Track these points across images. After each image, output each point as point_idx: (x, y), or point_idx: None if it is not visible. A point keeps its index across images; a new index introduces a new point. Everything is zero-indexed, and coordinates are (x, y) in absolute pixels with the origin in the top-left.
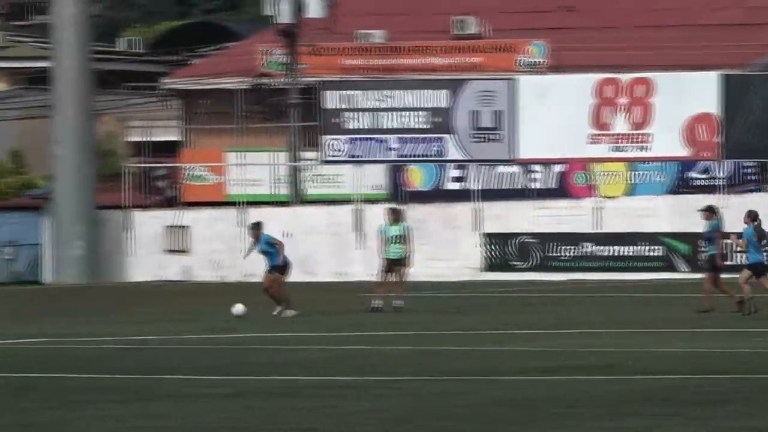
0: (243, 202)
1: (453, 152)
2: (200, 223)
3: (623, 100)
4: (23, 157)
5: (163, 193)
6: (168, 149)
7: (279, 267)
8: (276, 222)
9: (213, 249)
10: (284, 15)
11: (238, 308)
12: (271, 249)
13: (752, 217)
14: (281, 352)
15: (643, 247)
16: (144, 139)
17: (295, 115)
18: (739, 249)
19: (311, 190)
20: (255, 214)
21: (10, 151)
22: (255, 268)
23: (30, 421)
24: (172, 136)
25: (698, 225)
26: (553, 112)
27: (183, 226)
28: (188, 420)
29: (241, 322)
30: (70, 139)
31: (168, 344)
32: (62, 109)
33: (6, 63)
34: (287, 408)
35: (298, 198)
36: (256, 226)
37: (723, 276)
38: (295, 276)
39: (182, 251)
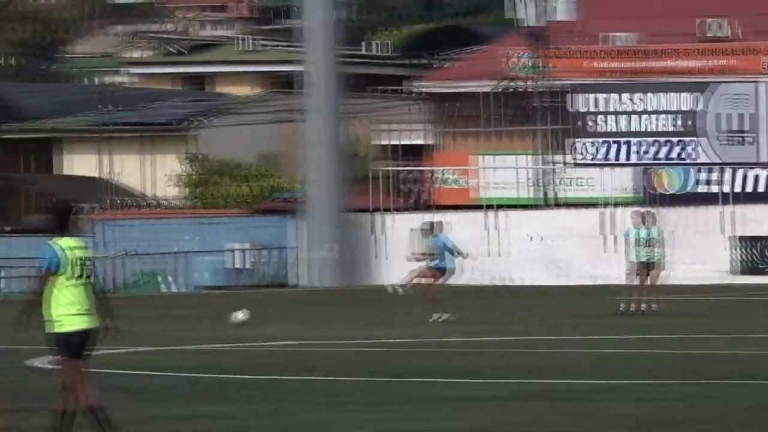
0: (493, 206)
1: (703, 155)
2: (450, 226)
3: None
4: (273, 161)
5: (413, 196)
6: (416, 152)
7: (442, 270)
8: (527, 225)
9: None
10: (532, 18)
11: (239, 315)
12: (443, 251)
13: None
14: (538, 355)
15: None
16: (393, 143)
17: (544, 119)
18: None
19: (561, 193)
20: (505, 218)
21: (260, 155)
22: (505, 271)
23: (292, 421)
24: (420, 140)
25: None
26: None
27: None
28: (449, 423)
29: (499, 325)
30: (321, 143)
31: (425, 347)
32: (313, 112)
33: (255, 67)
34: (546, 411)
35: (548, 201)
36: (431, 227)
37: None
38: (546, 279)
39: (432, 254)
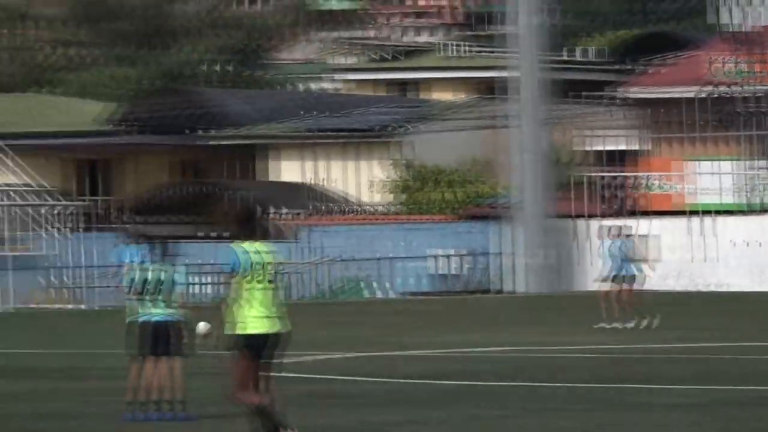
0: (698, 211)
1: None
2: (657, 232)
3: None
4: (480, 166)
5: (616, 202)
6: (621, 158)
7: (617, 277)
8: (732, 230)
9: (670, 258)
10: (736, 23)
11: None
12: (619, 256)
13: None
14: (741, 362)
15: None
16: (595, 148)
17: (748, 124)
18: None
19: (767, 198)
20: (711, 223)
21: (464, 161)
22: (710, 276)
23: (499, 425)
24: (623, 145)
25: None
26: None
27: (639, 236)
28: (655, 429)
29: (703, 331)
30: (528, 149)
31: (632, 353)
32: (520, 118)
33: (459, 73)
34: (747, 418)
35: (753, 207)
36: (616, 231)
37: None
38: (751, 285)
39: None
